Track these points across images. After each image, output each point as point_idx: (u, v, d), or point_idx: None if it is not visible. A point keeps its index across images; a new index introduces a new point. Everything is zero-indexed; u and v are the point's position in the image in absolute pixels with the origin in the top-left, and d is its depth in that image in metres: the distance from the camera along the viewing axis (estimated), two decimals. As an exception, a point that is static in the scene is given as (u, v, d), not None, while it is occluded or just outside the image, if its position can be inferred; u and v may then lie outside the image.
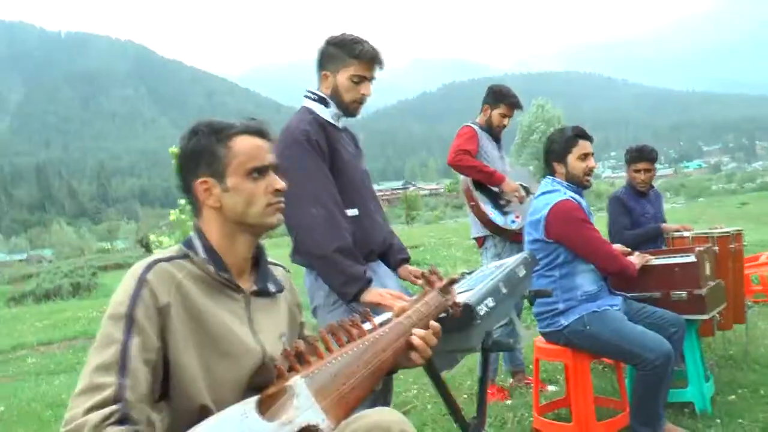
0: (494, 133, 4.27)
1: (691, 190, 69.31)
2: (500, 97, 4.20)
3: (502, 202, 4.08)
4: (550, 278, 3.12)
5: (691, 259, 3.25)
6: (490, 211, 4.02)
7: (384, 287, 2.49)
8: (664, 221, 4.59)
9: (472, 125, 4.23)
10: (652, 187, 4.56)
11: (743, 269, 4.22)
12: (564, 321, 3.12)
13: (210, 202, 1.52)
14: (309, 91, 2.61)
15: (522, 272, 2.43)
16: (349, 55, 2.49)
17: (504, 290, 2.14)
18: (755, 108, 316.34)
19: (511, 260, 2.56)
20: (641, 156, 4.37)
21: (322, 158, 2.44)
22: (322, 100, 2.56)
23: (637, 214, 4.35)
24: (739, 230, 4.13)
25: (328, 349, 1.45)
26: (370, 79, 2.55)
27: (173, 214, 8.79)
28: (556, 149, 3.25)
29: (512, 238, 4.04)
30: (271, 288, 1.62)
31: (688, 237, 3.89)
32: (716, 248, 3.80)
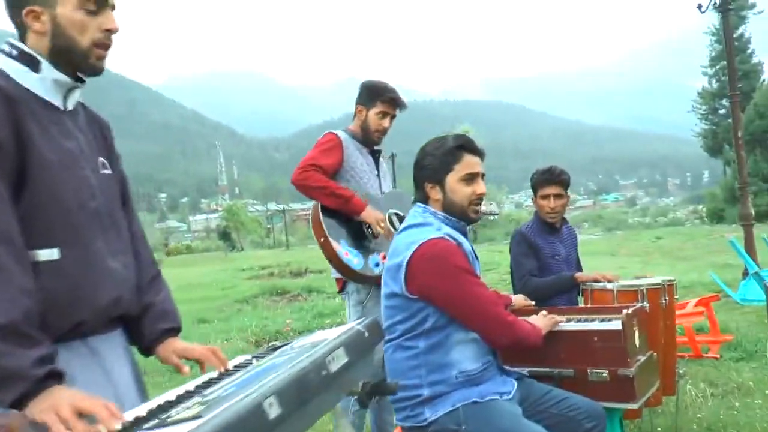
0: (371, 142, 3.29)
1: (608, 222, 70.89)
2: (376, 92, 3.23)
3: (368, 236, 3.09)
4: (412, 351, 2.12)
5: (616, 326, 2.31)
6: (345, 249, 3.00)
7: (110, 381, 1.44)
8: (579, 267, 3.68)
9: (339, 133, 3.23)
10: (566, 221, 3.65)
11: (675, 329, 3.35)
12: (430, 414, 2.12)
13: None
14: (8, 42, 1.51)
15: (341, 362, 1.44)
16: None
17: (274, 412, 1.10)
18: (668, 146, 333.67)
19: (332, 336, 1.56)
20: (550, 178, 3.45)
21: None
22: (26, 58, 1.47)
23: (544, 255, 3.42)
24: (671, 281, 3.26)
25: None
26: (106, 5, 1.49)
27: None
28: (431, 166, 2.27)
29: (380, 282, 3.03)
30: None
31: (612, 290, 2.95)
32: (647, 305, 2.92)
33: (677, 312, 5.46)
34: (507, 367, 2.35)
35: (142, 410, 1.26)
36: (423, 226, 2.19)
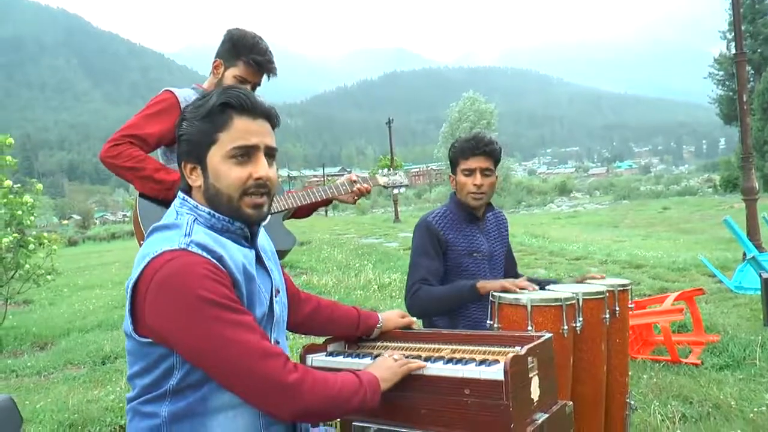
0: None
1: (620, 189, 69.60)
2: (240, 48, 2.44)
3: None
4: (152, 420, 1.38)
5: (497, 374, 1.55)
6: None
7: None
8: (512, 265, 2.89)
9: (178, 91, 2.45)
10: (492, 207, 2.83)
11: (627, 348, 2.58)
12: None
13: None
14: None
15: None
16: None
17: None
18: (683, 113, 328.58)
19: None
20: (476, 146, 2.59)
21: None
22: None
23: (457, 252, 2.61)
24: (624, 285, 2.49)
25: None
26: None
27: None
28: (187, 137, 1.47)
29: None
30: None
31: (525, 306, 2.14)
32: (577, 325, 2.15)
33: (654, 308, 4.71)
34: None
35: None
36: (168, 230, 1.42)
